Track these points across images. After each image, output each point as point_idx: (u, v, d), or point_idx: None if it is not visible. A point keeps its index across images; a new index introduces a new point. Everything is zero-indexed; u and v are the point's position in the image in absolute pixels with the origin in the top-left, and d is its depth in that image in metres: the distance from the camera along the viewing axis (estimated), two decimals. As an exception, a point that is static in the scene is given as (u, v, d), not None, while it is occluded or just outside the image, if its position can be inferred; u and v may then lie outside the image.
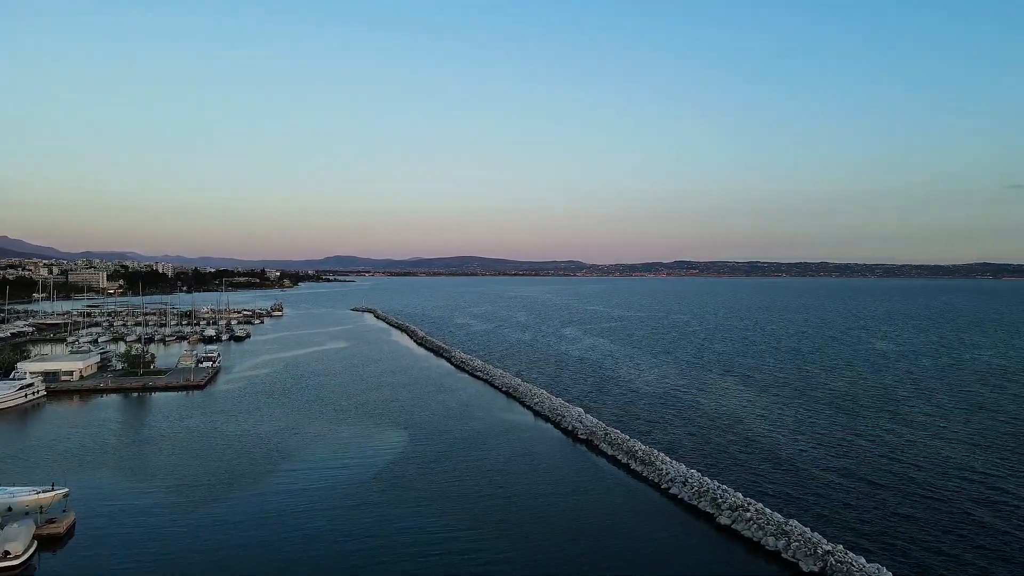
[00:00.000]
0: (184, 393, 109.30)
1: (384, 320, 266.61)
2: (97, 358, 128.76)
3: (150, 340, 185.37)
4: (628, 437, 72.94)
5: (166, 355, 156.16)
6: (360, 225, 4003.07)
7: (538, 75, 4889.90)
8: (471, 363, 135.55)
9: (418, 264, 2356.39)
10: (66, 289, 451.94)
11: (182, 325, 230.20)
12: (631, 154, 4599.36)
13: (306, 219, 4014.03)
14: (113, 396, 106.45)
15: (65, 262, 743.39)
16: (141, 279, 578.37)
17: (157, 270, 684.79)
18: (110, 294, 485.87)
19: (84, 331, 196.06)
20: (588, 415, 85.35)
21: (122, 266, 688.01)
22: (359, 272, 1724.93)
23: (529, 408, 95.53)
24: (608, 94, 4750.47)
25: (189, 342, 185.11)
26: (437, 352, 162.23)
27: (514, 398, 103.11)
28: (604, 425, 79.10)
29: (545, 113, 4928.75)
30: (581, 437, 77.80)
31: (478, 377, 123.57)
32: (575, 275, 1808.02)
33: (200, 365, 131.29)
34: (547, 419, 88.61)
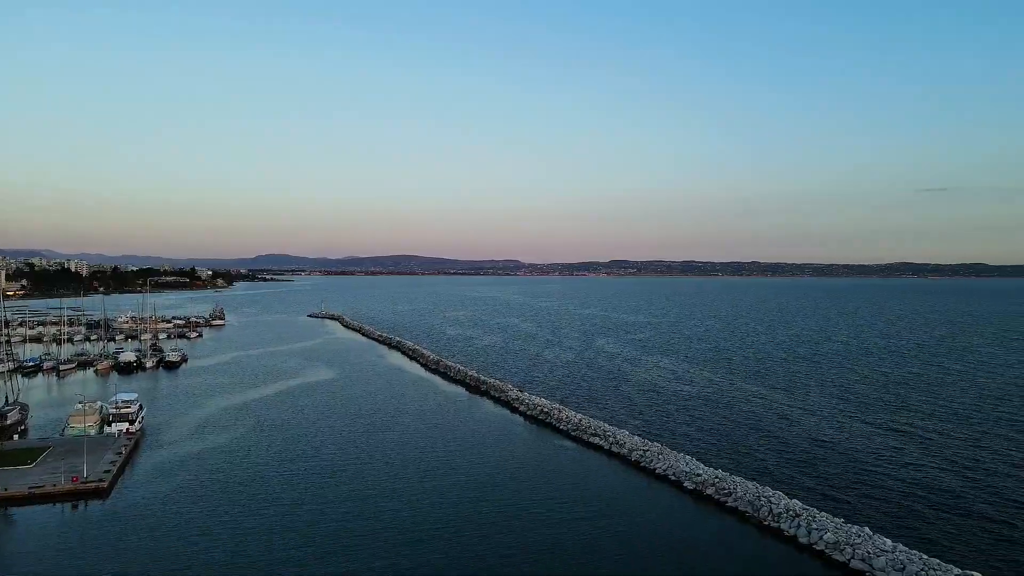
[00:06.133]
0: (69, 508, 55.63)
1: (360, 331, 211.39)
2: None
3: (35, 371, 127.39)
4: None
5: (57, 399, 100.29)
6: (291, 223, 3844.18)
7: (475, 69, 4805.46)
8: (557, 414, 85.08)
9: (354, 263, 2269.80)
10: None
11: (90, 340, 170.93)
12: (564, 155, 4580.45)
13: (235, 216, 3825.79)
14: (-87, 525, 51.82)
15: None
16: (49, 279, 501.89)
17: (69, 268, 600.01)
18: (8, 296, 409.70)
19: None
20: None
21: (27, 264, 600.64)
22: (294, 271, 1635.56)
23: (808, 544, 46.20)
24: (544, 95, 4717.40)
25: (97, 372, 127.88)
26: (474, 388, 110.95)
27: (722, 508, 53.69)
28: None
29: (480, 112, 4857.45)
30: None
31: (596, 446, 73.43)
32: (515, 274, 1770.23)
33: (108, 429, 76.89)
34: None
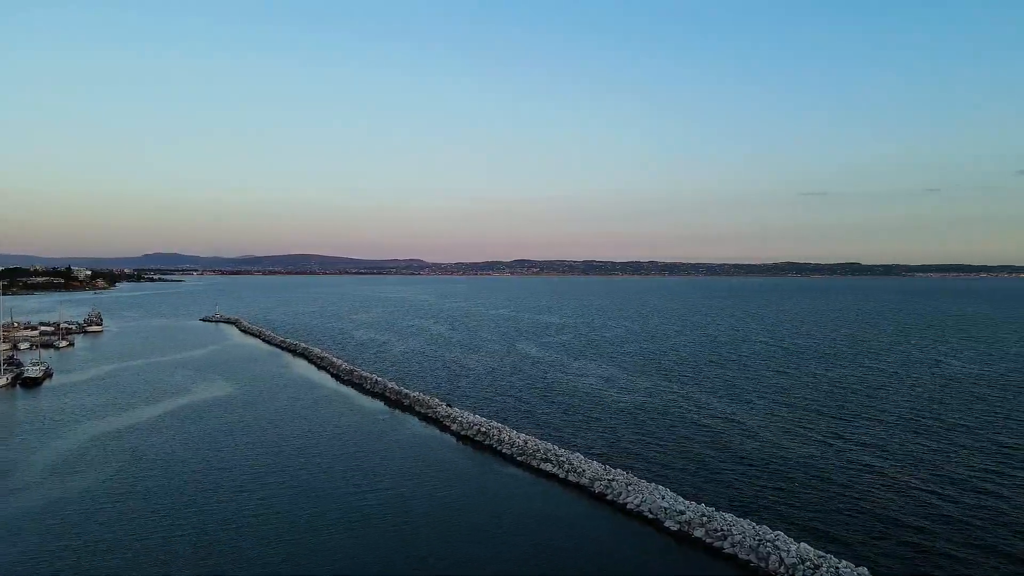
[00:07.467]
0: None
1: (260, 337, 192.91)
2: None
3: None
4: None
5: None
6: (181, 220, 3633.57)
7: (374, 62, 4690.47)
8: (497, 434, 74.98)
9: (250, 262, 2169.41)
10: None
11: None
12: (463, 153, 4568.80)
13: (119, 212, 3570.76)
14: None
15: None
16: None
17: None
18: None
19: None
20: None
21: None
22: (185, 271, 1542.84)
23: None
24: (442, 89, 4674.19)
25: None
26: (395, 403, 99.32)
27: (716, 555, 45.56)
28: None
29: (378, 107, 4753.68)
30: None
31: (548, 474, 64.07)
32: (418, 274, 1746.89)
33: (-69, 475, 60.18)
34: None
